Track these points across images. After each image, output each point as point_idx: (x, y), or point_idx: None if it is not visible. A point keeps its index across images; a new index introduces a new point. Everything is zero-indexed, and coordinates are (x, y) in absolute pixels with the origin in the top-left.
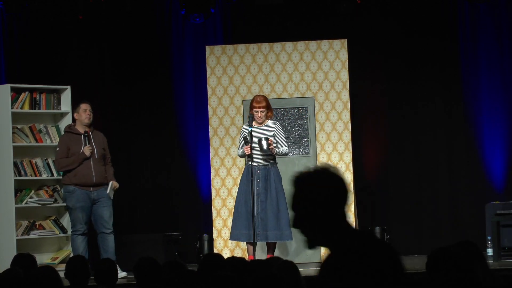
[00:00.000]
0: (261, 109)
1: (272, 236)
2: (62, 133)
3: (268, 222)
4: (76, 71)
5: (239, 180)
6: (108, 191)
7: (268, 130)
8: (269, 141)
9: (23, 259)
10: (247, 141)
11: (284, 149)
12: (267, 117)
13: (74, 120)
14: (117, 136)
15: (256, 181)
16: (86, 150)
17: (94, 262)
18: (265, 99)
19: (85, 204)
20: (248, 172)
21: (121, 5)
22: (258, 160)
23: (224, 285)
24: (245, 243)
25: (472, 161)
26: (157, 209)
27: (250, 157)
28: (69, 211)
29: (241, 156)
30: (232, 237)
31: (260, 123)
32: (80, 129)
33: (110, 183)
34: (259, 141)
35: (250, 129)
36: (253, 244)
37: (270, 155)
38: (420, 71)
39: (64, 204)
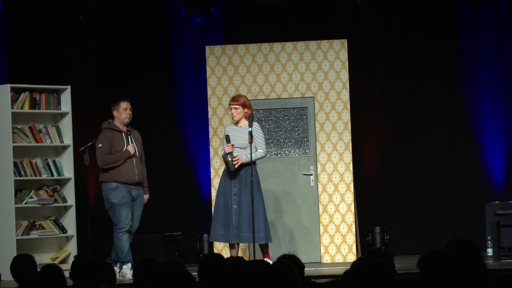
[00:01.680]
0: (234, 106)
1: (245, 238)
2: (63, 133)
3: (242, 223)
4: (76, 71)
5: None
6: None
7: (246, 132)
8: (233, 158)
9: (23, 260)
10: (229, 139)
11: (259, 153)
12: (246, 117)
13: (112, 116)
14: None
15: (234, 182)
16: (131, 149)
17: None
18: (242, 97)
19: (129, 201)
20: (227, 173)
21: (121, 5)
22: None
23: (231, 279)
24: (237, 244)
25: (472, 161)
26: (157, 209)
27: (229, 156)
28: (114, 207)
29: (223, 156)
30: (211, 238)
31: (236, 123)
32: (120, 126)
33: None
34: (225, 156)
35: (250, 129)
36: (234, 246)
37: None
38: (420, 71)
39: (65, 204)
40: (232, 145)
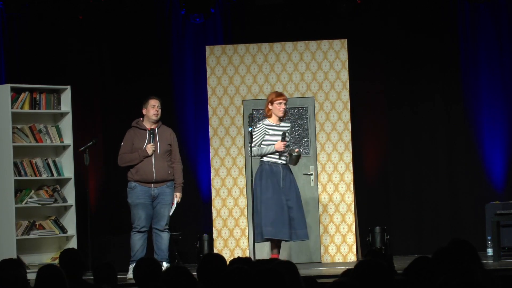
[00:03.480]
0: (285, 101)
1: (303, 235)
2: (63, 133)
3: (297, 221)
4: (76, 71)
5: (239, 180)
6: (170, 213)
7: (284, 128)
8: (300, 157)
9: (10, 264)
10: (284, 137)
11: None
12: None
13: (142, 115)
14: (117, 136)
15: (281, 180)
16: (149, 149)
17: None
18: None
19: (145, 201)
20: (272, 171)
21: (121, 5)
22: (281, 158)
23: (239, 277)
24: (244, 243)
25: (472, 161)
26: None
27: (281, 154)
28: (130, 207)
29: (268, 154)
30: (267, 234)
31: (278, 119)
32: (147, 125)
33: (174, 205)
34: (291, 154)
35: (250, 129)
36: (279, 243)
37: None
38: (420, 71)
39: (65, 204)
40: (291, 150)
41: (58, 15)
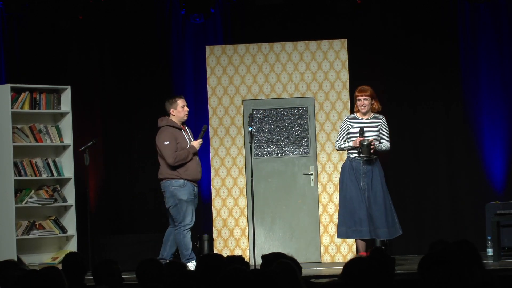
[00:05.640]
0: (364, 97)
1: (382, 234)
2: (63, 132)
3: (376, 219)
4: (76, 71)
5: (239, 180)
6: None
7: (373, 123)
8: (371, 146)
9: (9, 264)
10: (361, 133)
11: (384, 145)
12: (372, 109)
13: (168, 114)
14: (117, 136)
15: (363, 177)
16: (196, 145)
17: (95, 263)
18: (369, 88)
19: (193, 198)
20: (352, 167)
21: (121, 5)
22: (361, 155)
23: (238, 277)
24: (244, 243)
25: (472, 161)
26: (157, 209)
27: (361, 150)
28: (181, 204)
29: (348, 149)
30: (340, 235)
31: (364, 114)
32: (178, 123)
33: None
34: (362, 140)
35: (250, 129)
36: (365, 240)
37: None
38: (420, 71)
39: (65, 204)
40: (361, 140)
41: (58, 15)
